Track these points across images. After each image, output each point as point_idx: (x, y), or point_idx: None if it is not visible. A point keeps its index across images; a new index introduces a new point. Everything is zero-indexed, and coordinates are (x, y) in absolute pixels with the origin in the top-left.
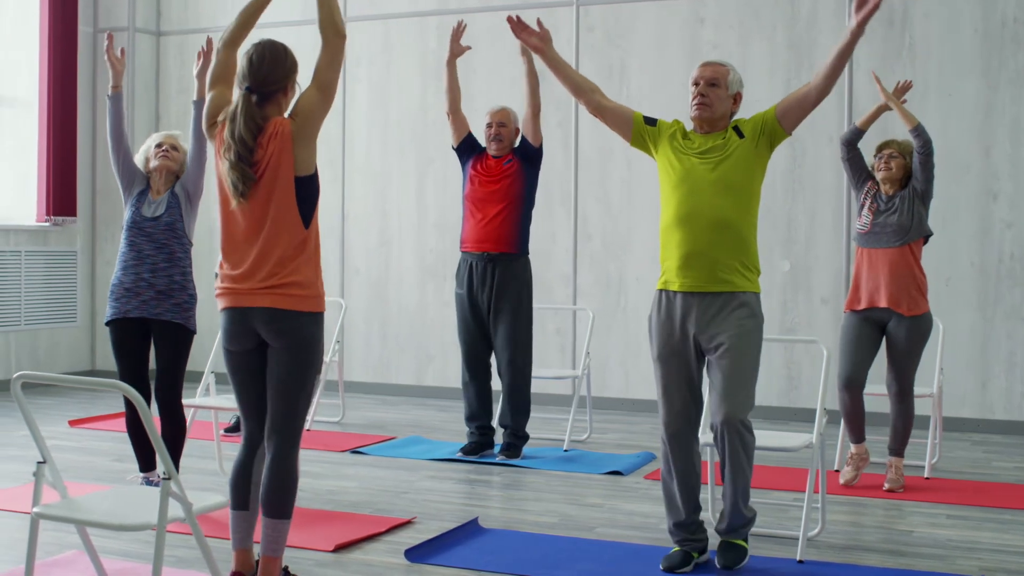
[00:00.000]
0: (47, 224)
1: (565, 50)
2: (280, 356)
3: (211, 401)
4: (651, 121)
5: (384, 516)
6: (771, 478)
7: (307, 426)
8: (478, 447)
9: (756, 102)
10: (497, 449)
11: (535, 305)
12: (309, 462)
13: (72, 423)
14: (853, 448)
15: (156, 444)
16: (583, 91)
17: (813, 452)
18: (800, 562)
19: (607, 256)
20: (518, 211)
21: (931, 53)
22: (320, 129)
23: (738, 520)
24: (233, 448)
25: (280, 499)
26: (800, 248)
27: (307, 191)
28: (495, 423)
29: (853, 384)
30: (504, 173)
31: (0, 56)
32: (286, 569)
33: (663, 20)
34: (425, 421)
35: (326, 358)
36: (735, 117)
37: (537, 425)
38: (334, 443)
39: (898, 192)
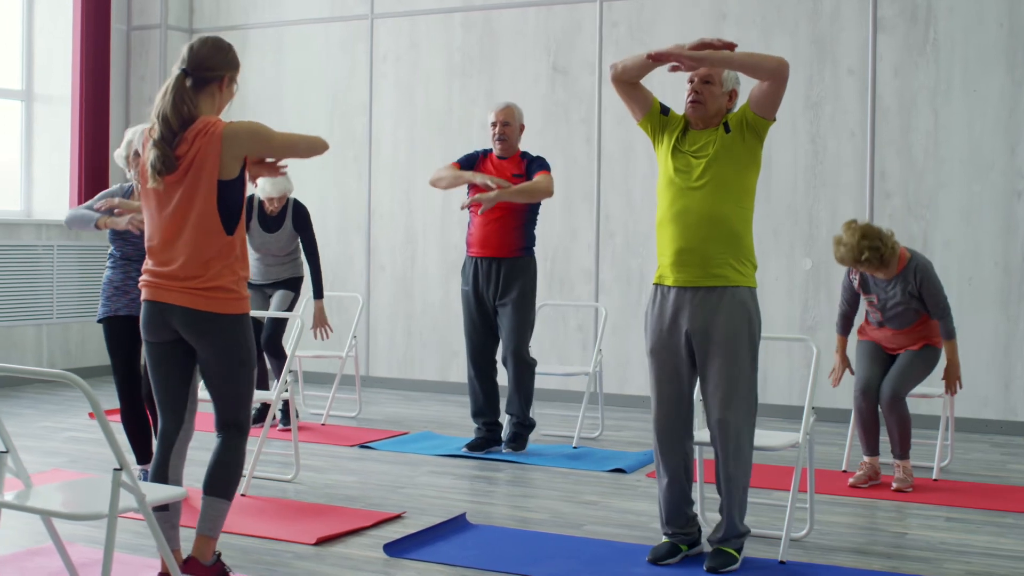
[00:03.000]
0: None
1: (589, 46)
2: (209, 360)
3: None
4: (665, 110)
5: (374, 511)
6: (770, 478)
7: (322, 421)
8: (484, 443)
9: None
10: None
11: (555, 301)
12: (314, 456)
13: (92, 415)
14: (866, 459)
15: (108, 437)
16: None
17: (799, 451)
18: (782, 563)
19: (629, 253)
20: (521, 217)
21: (955, 49)
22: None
23: (732, 531)
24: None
25: (222, 478)
26: (822, 245)
27: (230, 196)
28: (502, 414)
29: (870, 389)
30: (513, 183)
31: (35, 53)
32: (219, 555)
33: (686, 15)
34: (443, 417)
35: (342, 353)
36: (730, 112)
37: (552, 422)
38: (345, 438)
39: (894, 277)
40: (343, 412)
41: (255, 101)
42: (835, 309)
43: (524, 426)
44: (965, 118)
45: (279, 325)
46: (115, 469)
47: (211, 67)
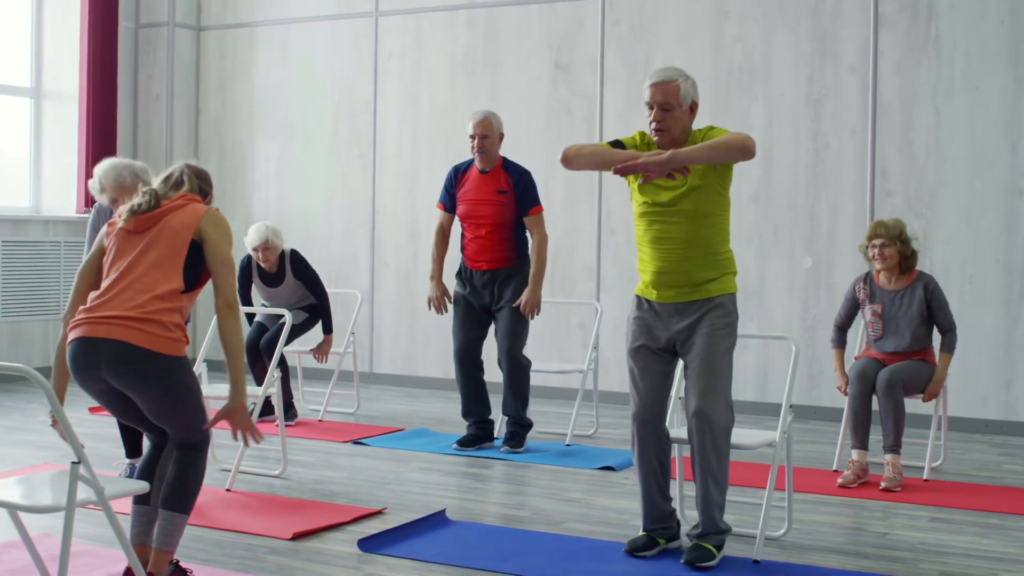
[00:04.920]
0: (87, 215)
1: (591, 43)
2: (144, 404)
3: (205, 390)
4: (619, 145)
5: (355, 506)
6: (752, 476)
7: (319, 417)
8: (475, 439)
9: (780, 95)
10: (499, 442)
11: (556, 299)
12: (304, 452)
13: (92, 410)
14: (854, 454)
15: (65, 428)
16: None
17: (775, 450)
18: (756, 561)
19: (631, 250)
20: (509, 229)
21: (957, 45)
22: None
23: (711, 528)
24: (228, 436)
25: (180, 493)
26: (822, 244)
27: (197, 257)
28: (499, 413)
29: (866, 375)
30: (497, 200)
31: (44, 50)
32: (177, 563)
33: (688, 12)
34: (443, 414)
35: (339, 348)
36: (695, 126)
37: (549, 419)
38: (339, 434)
39: (903, 288)
40: (343, 408)
41: (261, 99)
42: (835, 306)
43: (521, 426)
44: (967, 115)
45: (281, 331)
46: (73, 462)
47: (205, 179)
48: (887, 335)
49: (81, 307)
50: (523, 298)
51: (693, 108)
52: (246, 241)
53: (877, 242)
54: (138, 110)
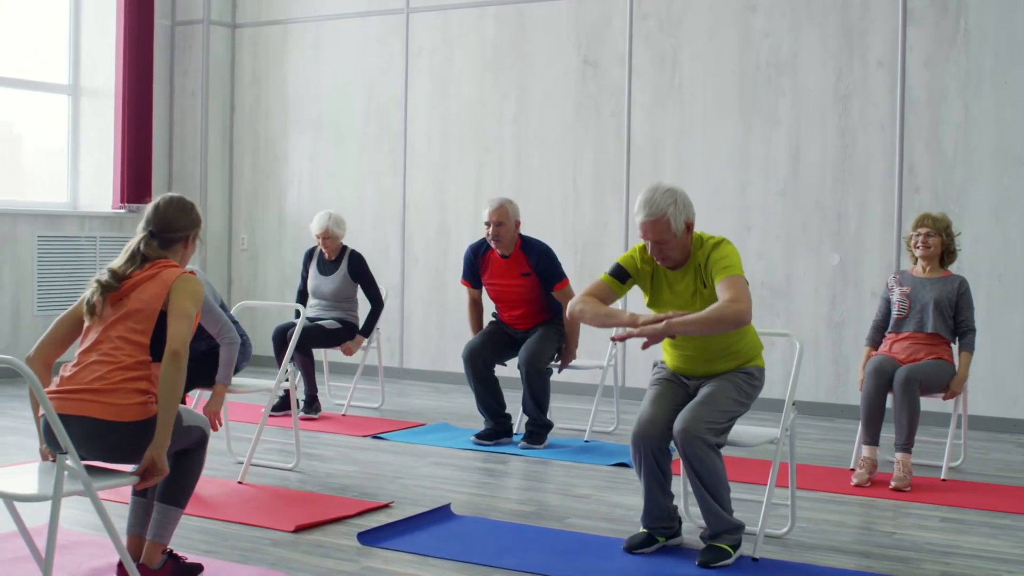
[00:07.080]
0: (122, 211)
1: (619, 39)
2: (129, 463)
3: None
4: (622, 275)
5: (362, 500)
6: (759, 473)
7: (343, 411)
8: (494, 434)
9: (807, 91)
10: (518, 438)
11: None
12: (322, 446)
13: None
14: (865, 450)
15: (52, 420)
16: None
17: (777, 447)
18: (755, 560)
19: None
20: (541, 301)
21: (986, 40)
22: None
23: (721, 527)
24: (248, 430)
25: (176, 487)
26: (850, 241)
27: (164, 327)
28: (518, 409)
29: (881, 371)
30: (522, 283)
31: (81, 48)
32: (169, 553)
33: (716, 8)
34: (465, 409)
35: (365, 343)
36: (694, 233)
37: (570, 415)
38: (360, 428)
39: (936, 278)
40: (368, 403)
41: (294, 96)
42: (862, 304)
43: (540, 425)
44: (995, 111)
45: (312, 331)
46: (60, 453)
47: (177, 228)
48: (911, 315)
49: (54, 378)
50: (565, 358)
51: (689, 227)
52: (311, 227)
53: (922, 230)
54: (173, 106)
